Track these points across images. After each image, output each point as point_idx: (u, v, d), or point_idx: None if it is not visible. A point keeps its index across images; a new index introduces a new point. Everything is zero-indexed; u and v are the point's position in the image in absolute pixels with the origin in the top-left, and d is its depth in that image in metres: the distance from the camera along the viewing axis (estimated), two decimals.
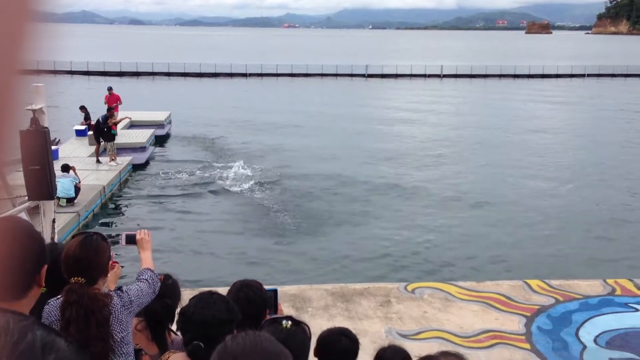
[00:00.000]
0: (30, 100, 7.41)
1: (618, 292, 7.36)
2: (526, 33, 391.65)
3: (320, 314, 7.10)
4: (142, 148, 22.44)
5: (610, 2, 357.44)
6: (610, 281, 7.73)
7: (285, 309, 6.59)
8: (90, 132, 20.91)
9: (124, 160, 19.72)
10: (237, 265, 12.33)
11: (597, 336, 6.24)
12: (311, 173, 20.25)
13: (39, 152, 6.93)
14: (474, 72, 63.79)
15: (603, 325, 6.45)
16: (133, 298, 3.13)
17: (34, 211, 8.37)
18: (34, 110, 7.10)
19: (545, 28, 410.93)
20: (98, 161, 18.89)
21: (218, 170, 20.59)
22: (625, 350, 5.94)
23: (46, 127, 7.23)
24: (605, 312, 6.75)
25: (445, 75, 63.30)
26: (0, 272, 1.48)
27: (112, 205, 16.77)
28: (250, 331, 1.54)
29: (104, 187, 16.51)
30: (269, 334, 2.50)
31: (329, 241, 13.92)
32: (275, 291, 3.60)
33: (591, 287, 7.67)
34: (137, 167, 20.17)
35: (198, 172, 20.37)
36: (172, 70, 60.76)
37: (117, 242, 4.18)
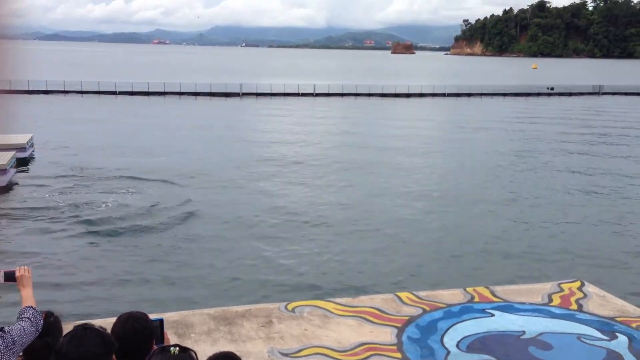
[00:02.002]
0: None
1: (476, 299, 8.13)
2: (392, 53, 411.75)
3: (204, 339, 7.18)
4: (2, 171, 21.14)
5: (466, 26, 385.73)
6: (470, 290, 8.51)
7: (168, 336, 6.63)
8: None
9: None
10: (116, 295, 12.03)
11: (459, 341, 6.88)
12: (180, 197, 20.09)
13: None
14: (345, 91, 66.29)
15: (464, 331, 7.12)
16: (16, 338, 3.10)
17: None
18: None
19: (409, 48, 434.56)
20: None
21: (84, 193, 19.92)
22: (483, 352, 6.62)
23: None
24: (466, 319, 7.45)
25: (318, 94, 65.16)
26: None
27: None
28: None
29: None
30: None
31: (208, 264, 13.96)
32: (161, 321, 3.63)
33: (453, 296, 8.39)
34: None
35: (63, 195, 19.61)
36: (32, 88, 57.15)
37: None
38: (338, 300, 8.55)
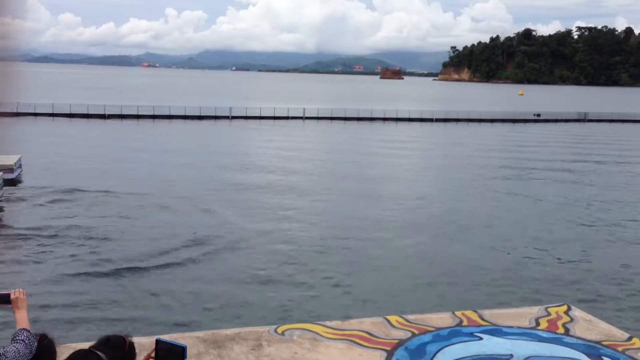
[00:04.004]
0: None
1: (465, 322, 8.20)
2: (380, 78, 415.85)
3: None
4: None
5: (453, 52, 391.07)
6: (458, 313, 8.58)
7: None
8: None
9: None
10: (106, 317, 12.00)
11: None
12: (169, 221, 20.08)
13: None
14: (334, 115, 66.80)
15: (452, 354, 7.17)
16: None
17: None
18: None
19: (397, 74, 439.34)
20: None
21: (71, 215, 19.91)
22: None
23: None
24: (454, 342, 7.51)
25: (307, 117, 65.61)
26: None
27: None
28: None
29: None
30: None
31: (196, 287, 13.94)
32: (184, 348, 3.45)
33: (442, 319, 8.46)
34: None
35: (50, 216, 19.60)
36: (20, 110, 57.01)
37: None
38: (327, 323, 8.57)
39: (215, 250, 16.77)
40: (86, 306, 12.78)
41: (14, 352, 3.20)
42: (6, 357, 3.13)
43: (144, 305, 12.92)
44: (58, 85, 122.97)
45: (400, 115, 69.39)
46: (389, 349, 7.59)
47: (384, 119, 67.93)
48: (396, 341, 7.81)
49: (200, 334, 8.17)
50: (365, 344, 7.75)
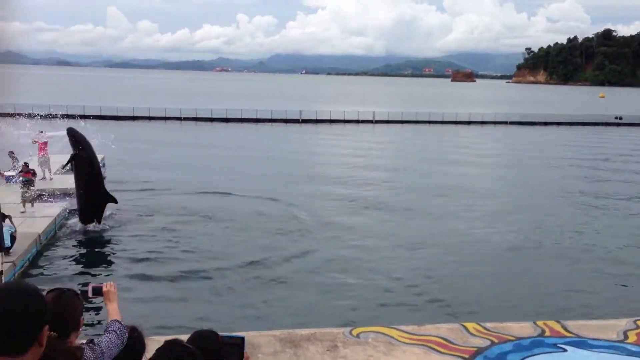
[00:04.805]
0: None
1: (547, 333, 7.91)
2: (452, 81, 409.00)
3: None
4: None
5: (528, 54, 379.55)
6: (540, 323, 8.30)
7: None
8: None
9: (59, 206, 19.36)
10: (188, 312, 12.38)
11: None
12: (253, 221, 20.44)
13: None
14: (404, 119, 66.17)
15: None
16: (104, 350, 3.24)
17: None
18: None
19: (469, 76, 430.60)
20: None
21: (156, 215, 20.59)
22: None
23: None
24: (537, 353, 7.26)
25: (377, 121, 65.34)
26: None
27: (48, 254, 16.32)
28: None
29: (39, 235, 16.10)
30: None
31: (275, 287, 14.16)
32: (242, 339, 3.68)
33: (523, 329, 8.21)
34: (73, 213, 19.80)
35: (137, 215, 20.39)
36: (104, 113, 59.79)
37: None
38: (403, 327, 8.50)
39: (291, 251, 16.93)
40: (171, 301, 13.23)
41: (107, 342, 3.32)
42: (100, 347, 3.24)
43: (221, 302, 13.21)
44: (137, 91, 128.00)
45: (473, 119, 67.97)
46: (467, 356, 7.44)
47: (456, 122, 66.73)
48: (474, 349, 7.65)
49: (277, 332, 8.29)
50: (443, 350, 7.62)
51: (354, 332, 8.25)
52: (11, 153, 23.93)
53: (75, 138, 18.88)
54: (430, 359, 7.46)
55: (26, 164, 19.52)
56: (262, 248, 17.21)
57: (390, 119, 66.08)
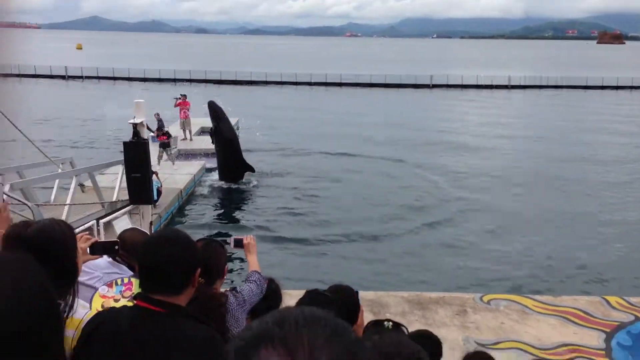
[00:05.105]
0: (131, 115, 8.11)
1: None
2: (597, 43, 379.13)
3: (398, 320, 7.28)
4: (213, 153, 23.21)
5: None
6: None
7: (364, 314, 6.85)
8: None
9: (199, 164, 20.64)
10: (317, 268, 12.80)
11: None
12: (385, 185, 20.50)
13: (140, 162, 7.49)
14: (543, 83, 62.40)
15: None
16: (246, 298, 3.41)
17: (133, 213, 9.03)
18: (135, 124, 7.68)
19: (618, 38, 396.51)
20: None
21: (289, 175, 21.31)
22: None
23: (146, 139, 7.80)
24: None
25: (513, 86, 62.19)
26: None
27: (189, 207, 17.55)
28: (392, 333, 1.81)
29: (181, 190, 17.30)
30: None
31: (404, 250, 14.19)
32: (356, 293, 3.75)
33: None
34: (210, 171, 21.02)
35: (272, 175, 21.20)
36: (239, 78, 62.26)
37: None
38: (537, 297, 8.17)
39: (422, 217, 16.80)
40: (303, 258, 13.73)
41: (248, 290, 3.48)
42: (242, 295, 3.40)
43: (350, 262, 13.46)
44: (270, 57, 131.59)
45: (621, 83, 62.55)
46: (607, 330, 7.01)
47: (602, 87, 61.82)
48: (616, 323, 7.18)
49: (405, 294, 8.29)
50: (581, 322, 7.23)
51: (485, 299, 8.05)
52: (156, 115, 25.61)
53: (215, 111, 19.87)
54: (566, 330, 7.12)
55: (160, 128, 20.84)
56: (391, 212, 17.25)
57: (527, 83, 62.61)
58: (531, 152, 27.44)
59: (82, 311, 2.39)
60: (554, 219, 16.95)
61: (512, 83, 62.78)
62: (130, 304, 3.20)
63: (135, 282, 3.28)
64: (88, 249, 2.94)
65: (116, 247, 3.11)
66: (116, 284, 3.24)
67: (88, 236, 3.05)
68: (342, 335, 0.73)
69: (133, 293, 3.28)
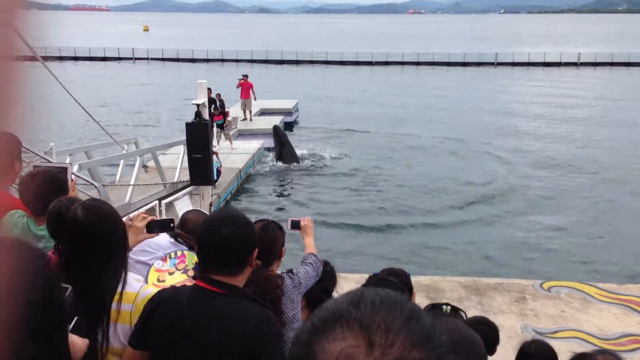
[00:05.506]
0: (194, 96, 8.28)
1: None
2: None
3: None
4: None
5: None
6: None
7: (419, 298, 6.81)
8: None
9: (257, 143, 20.89)
10: (373, 251, 12.80)
11: None
12: (444, 168, 20.17)
13: (202, 142, 7.65)
14: (615, 60, 59.45)
15: None
16: (302, 280, 3.43)
17: (193, 193, 9.28)
18: (197, 105, 7.82)
19: None
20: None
21: (349, 156, 21.32)
22: None
23: (207, 120, 7.93)
24: None
25: (582, 64, 59.57)
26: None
27: (248, 187, 17.84)
28: (447, 318, 1.78)
29: (240, 170, 17.58)
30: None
31: (461, 235, 13.95)
32: (408, 275, 3.73)
33: None
34: (269, 151, 21.26)
35: (331, 156, 21.27)
36: (300, 58, 62.42)
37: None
38: (601, 285, 7.90)
39: (488, 204, 16.44)
40: (359, 241, 13.73)
41: (304, 273, 3.50)
42: (298, 277, 3.43)
43: (406, 246, 13.37)
44: (331, 36, 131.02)
45: None
46: None
47: None
48: None
49: (462, 279, 8.18)
50: None
51: (545, 286, 7.85)
52: (218, 95, 26.03)
53: (279, 136, 20.69)
54: (630, 320, 6.86)
55: (216, 108, 20.88)
56: (452, 194, 16.99)
57: (597, 60, 59.78)
58: (602, 136, 26.11)
59: (137, 285, 2.48)
60: (623, 206, 16.24)
61: (582, 60, 60.13)
62: (184, 276, 3.31)
63: (188, 254, 3.38)
64: (145, 228, 3.02)
65: (172, 225, 3.17)
66: (170, 257, 3.35)
67: (144, 215, 3.14)
68: (419, 319, 0.73)
69: (186, 265, 3.38)
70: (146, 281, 3.10)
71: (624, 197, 17.08)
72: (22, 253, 1.41)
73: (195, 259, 3.42)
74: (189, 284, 3.16)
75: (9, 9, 0.54)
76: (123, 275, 2.35)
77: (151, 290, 2.49)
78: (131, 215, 3.13)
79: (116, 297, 2.32)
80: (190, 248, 3.52)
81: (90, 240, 2.26)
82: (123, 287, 2.34)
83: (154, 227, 3.07)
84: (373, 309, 0.72)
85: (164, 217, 8.62)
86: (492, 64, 60.22)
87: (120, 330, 2.38)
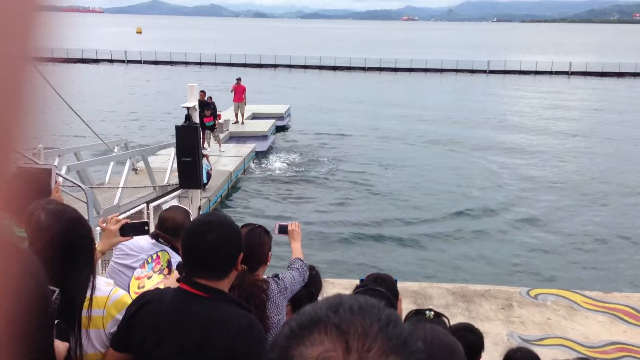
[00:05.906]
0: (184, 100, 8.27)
1: None
2: None
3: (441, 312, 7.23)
4: (263, 137, 23.49)
5: None
6: None
7: (407, 304, 6.79)
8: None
9: (248, 147, 20.88)
10: (360, 257, 12.79)
11: None
12: (435, 174, 20.28)
13: (191, 146, 7.64)
14: (605, 70, 59.78)
15: None
16: (288, 285, 3.41)
17: (182, 197, 9.27)
18: (187, 108, 7.82)
19: None
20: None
21: (341, 161, 21.36)
22: None
23: (197, 124, 7.93)
24: None
25: (573, 73, 59.94)
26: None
27: (238, 191, 17.81)
28: (428, 325, 1.79)
29: (230, 173, 17.56)
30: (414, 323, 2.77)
31: (450, 243, 13.99)
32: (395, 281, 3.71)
33: None
34: (259, 155, 21.26)
35: (323, 160, 21.34)
36: (293, 62, 62.45)
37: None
38: (587, 293, 7.94)
39: (477, 211, 16.48)
40: (347, 246, 13.71)
41: (290, 278, 3.48)
42: (284, 282, 3.41)
43: (392, 252, 13.39)
44: (327, 41, 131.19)
45: None
46: None
47: None
48: None
49: (449, 286, 8.20)
50: (632, 320, 7.00)
51: (532, 293, 7.89)
52: (210, 99, 25.99)
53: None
54: (616, 328, 6.91)
55: (207, 111, 20.65)
56: (442, 201, 17.03)
57: (588, 70, 60.13)
58: (589, 146, 26.18)
59: (107, 288, 2.44)
60: (610, 216, 16.34)
61: (574, 69, 60.50)
62: (160, 277, 3.30)
63: (162, 255, 3.38)
64: (118, 231, 2.99)
65: (146, 228, 3.13)
66: (147, 262, 3.35)
67: (118, 218, 3.10)
68: (395, 325, 0.73)
69: (162, 265, 3.37)
70: (129, 291, 3.08)
71: (610, 207, 17.20)
72: (17, 255, 1.40)
73: (167, 256, 3.42)
74: (166, 281, 3.15)
75: (23, 12, 0.51)
76: (91, 280, 2.27)
77: (121, 292, 2.46)
78: (104, 218, 3.10)
79: (86, 304, 2.25)
80: (173, 248, 3.51)
81: (54, 244, 2.14)
82: (92, 292, 2.27)
83: (128, 231, 3.04)
84: (351, 314, 0.73)
85: (152, 220, 8.62)
86: (484, 71, 60.49)
87: (93, 336, 2.35)
